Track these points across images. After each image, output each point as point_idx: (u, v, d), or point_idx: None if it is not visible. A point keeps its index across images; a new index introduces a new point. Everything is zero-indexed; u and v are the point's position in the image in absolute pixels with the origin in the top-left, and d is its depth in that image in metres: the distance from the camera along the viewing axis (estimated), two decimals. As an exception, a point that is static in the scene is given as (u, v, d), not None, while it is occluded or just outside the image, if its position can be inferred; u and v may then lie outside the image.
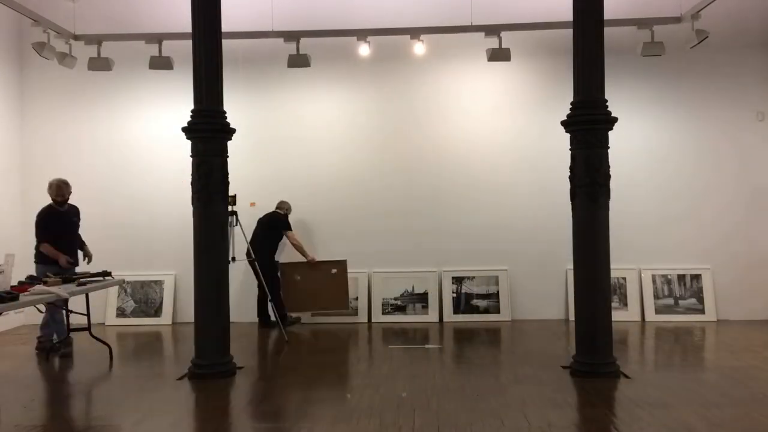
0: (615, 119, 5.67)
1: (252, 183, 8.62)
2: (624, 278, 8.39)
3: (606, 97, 5.67)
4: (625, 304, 8.35)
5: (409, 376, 5.79)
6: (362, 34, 7.91)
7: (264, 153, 8.68)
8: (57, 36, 7.94)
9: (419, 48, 8.00)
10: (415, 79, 8.63)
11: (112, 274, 6.86)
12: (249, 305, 8.37)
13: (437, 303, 8.49)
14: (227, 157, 5.95)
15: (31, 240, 8.49)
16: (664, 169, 8.44)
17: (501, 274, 8.51)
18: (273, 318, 7.79)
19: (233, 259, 6.85)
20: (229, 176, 5.97)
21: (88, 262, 7.07)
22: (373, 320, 8.45)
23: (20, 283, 5.90)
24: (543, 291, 8.42)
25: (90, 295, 6.62)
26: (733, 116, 8.40)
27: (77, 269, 6.94)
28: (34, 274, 6.39)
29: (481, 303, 8.47)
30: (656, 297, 8.35)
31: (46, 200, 8.61)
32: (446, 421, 4.57)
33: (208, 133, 5.80)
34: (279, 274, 8.20)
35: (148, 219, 8.70)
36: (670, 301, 8.30)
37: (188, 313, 7.34)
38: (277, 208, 8.29)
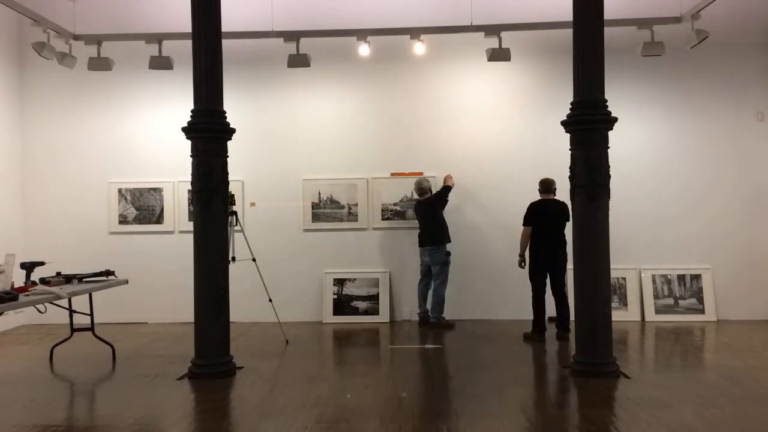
0: (615, 119, 5.67)
1: (251, 183, 8.65)
2: (624, 278, 8.39)
3: (606, 97, 5.68)
4: (625, 304, 8.35)
5: (409, 376, 5.80)
6: (362, 34, 7.91)
7: (264, 153, 8.68)
8: (57, 36, 7.94)
9: (419, 48, 8.00)
10: (415, 79, 8.63)
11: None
12: (249, 305, 8.37)
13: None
14: (227, 157, 5.95)
15: (32, 239, 8.58)
16: (664, 169, 8.45)
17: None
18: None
19: (233, 259, 6.84)
20: (229, 176, 5.98)
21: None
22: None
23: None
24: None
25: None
26: (733, 116, 8.41)
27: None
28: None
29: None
30: (656, 297, 8.35)
31: (47, 200, 8.69)
32: (446, 421, 4.57)
33: (208, 133, 5.80)
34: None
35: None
36: (670, 301, 8.30)
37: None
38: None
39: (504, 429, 4.41)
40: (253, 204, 8.57)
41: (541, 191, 7.53)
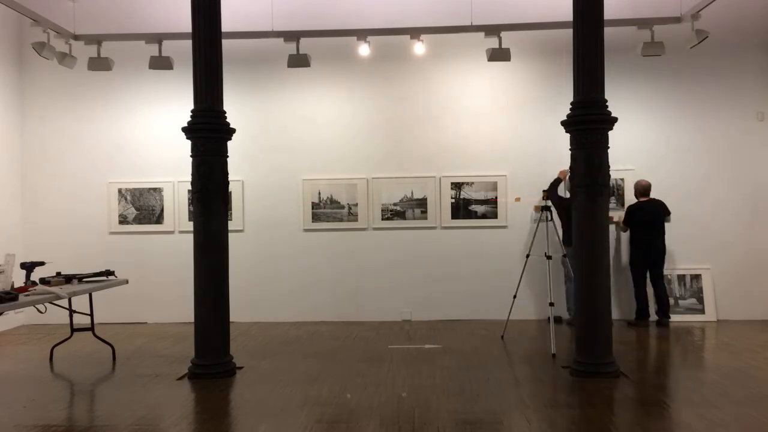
0: (615, 119, 5.67)
1: (251, 183, 8.65)
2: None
3: (606, 97, 5.68)
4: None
5: (409, 376, 5.80)
6: (362, 34, 7.91)
7: (264, 153, 8.68)
8: (57, 36, 7.94)
9: (419, 48, 8.00)
10: (415, 79, 8.63)
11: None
12: (249, 305, 8.39)
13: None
14: (227, 156, 5.96)
15: (31, 239, 8.58)
16: (664, 168, 8.44)
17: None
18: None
19: None
20: (229, 176, 6.00)
21: None
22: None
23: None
24: (543, 291, 8.40)
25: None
26: (733, 116, 8.41)
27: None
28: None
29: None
30: (656, 297, 8.34)
31: (46, 200, 8.70)
32: (446, 421, 4.57)
33: (208, 133, 5.80)
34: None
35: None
36: (670, 301, 8.28)
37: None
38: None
39: (504, 429, 4.41)
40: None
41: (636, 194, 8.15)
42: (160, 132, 8.65)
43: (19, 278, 5.98)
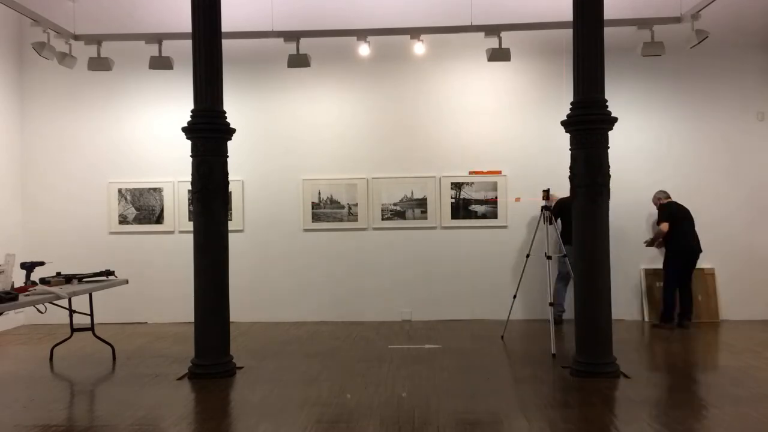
0: (615, 119, 5.67)
1: (251, 183, 8.65)
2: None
3: (606, 97, 5.67)
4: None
5: (409, 376, 5.80)
6: (362, 34, 7.91)
7: (264, 153, 8.68)
8: (57, 36, 7.94)
9: (419, 48, 8.00)
10: (415, 79, 8.63)
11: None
12: (249, 305, 8.38)
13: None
14: (227, 157, 5.96)
15: (32, 239, 8.58)
16: (664, 168, 8.44)
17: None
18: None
19: None
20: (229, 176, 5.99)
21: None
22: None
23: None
24: (543, 291, 8.40)
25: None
26: (733, 116, 8.41)
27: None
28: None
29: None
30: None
31: (47, 200, 8.70)
32: (446, 421, 4.57)
33: (208, 133, 5.80)
34: None
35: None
36: (670, 301, 8.27)
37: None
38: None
39: (504, 429, 4.41)
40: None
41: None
42: (160, 132, 8.65)
43: (19, 278, 5.97)
